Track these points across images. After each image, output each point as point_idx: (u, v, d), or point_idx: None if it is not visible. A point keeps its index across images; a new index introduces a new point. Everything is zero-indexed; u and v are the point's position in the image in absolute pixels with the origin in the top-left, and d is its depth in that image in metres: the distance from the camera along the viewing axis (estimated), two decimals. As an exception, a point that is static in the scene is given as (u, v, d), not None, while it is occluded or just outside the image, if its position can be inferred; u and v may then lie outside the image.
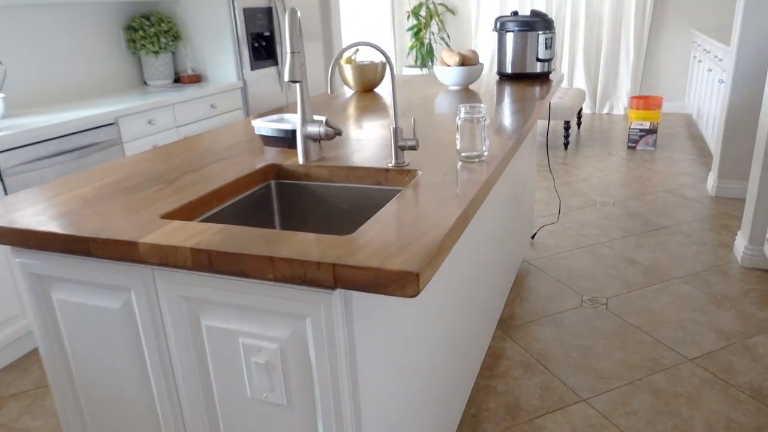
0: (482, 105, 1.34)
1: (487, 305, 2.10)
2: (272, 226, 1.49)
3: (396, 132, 1.33)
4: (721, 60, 4.21)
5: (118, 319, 1.13)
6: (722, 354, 2.20)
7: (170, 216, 1.14)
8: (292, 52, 1.22)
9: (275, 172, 1.47)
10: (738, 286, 2.67)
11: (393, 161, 1.36)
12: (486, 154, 1.37)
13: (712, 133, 4.41)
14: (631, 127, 4.83)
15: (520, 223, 2.69)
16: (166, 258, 0.97)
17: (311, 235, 0.96)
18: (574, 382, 2.10)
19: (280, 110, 2.29)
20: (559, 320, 2.48)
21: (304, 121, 1.41)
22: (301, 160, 1.45)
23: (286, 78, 1.22)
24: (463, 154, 1.38)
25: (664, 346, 2.27)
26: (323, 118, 1.39)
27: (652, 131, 4.78)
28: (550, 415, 1.95)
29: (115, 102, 2.96)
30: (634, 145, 4.85)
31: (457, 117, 1.35)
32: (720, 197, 3.75)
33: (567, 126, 4.96)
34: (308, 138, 1.43)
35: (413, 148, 1.33)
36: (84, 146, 2.61)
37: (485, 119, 1.34)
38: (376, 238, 0.93)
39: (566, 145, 5.05)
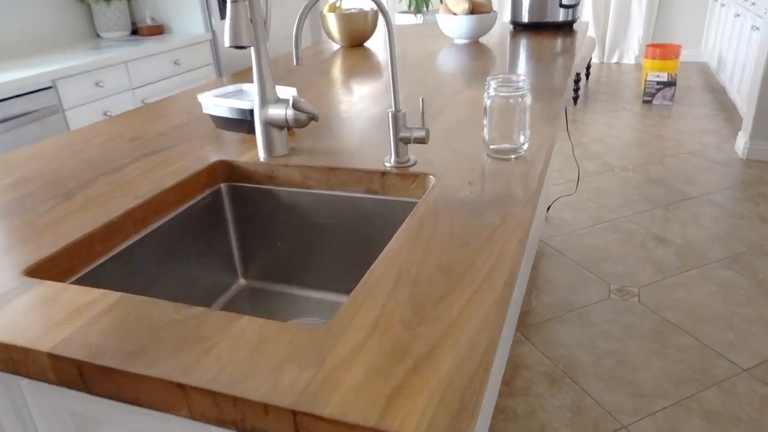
0: (521, 76, 0.91)
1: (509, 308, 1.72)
2: (228, 252, 1.08)
3: (396, 118, 0.91)
4: (753, 3, 3.73)
5: (-22, 422, 0.74)
6: (783, 362, 1.85)
7: (43, 269, 0.73)
8: (234, 1, 0.79)
9: (226, 172, 1.05)
10: (789, 271, 2.31)
11: (392, 159, 0.95)
12: (525, 147, 0.96)
13: (739, 87, 3.97)
14: (648, 79, 4.37)
15: (537, 201, 2.29)
16: (14, 364, 0.57)
17: (258, 325, 0.56)
18: (610, 401, 1.75)
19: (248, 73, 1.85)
20: (585, 317, 2.12)
21: (264, 102, 0.98)
22: (262, 155, 1.03)
23: (227, 42, 0.79)
24: (492, 147, 0.96)
25: (712, 352, 1.91)
26: (291, 96, 0.97)
27: (670, 83, 4.33)
28: (583, 448, 1.60)
29: (57, 60, 2.48)
30: (650, 99, 4.41)
31: (485, 95, 0.93)
32: (752, 160, 3.35)
33: (577, 78, 4.50)
34: (270, 125, 1.00)
35: (422, 140, 0.92)
36: (14, 116, 2.16)
37: (526, 97, 0.92)
38: (370, 340, 0.53)
39: (575, 99, 4.60)
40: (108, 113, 2.54)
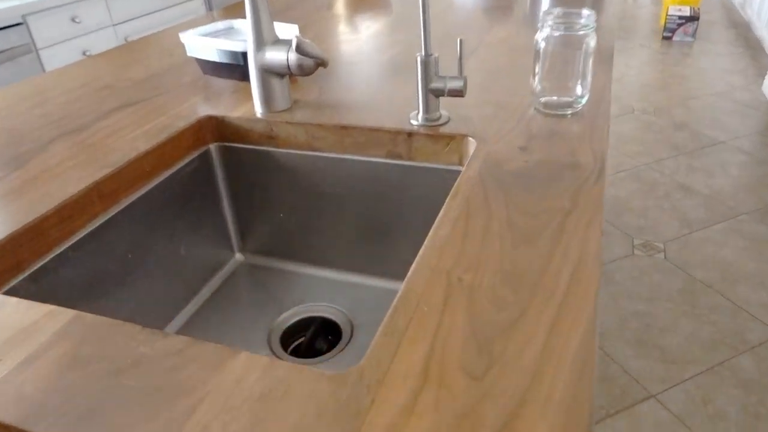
0: (586, 11, 0.72)
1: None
2: (222, 225, 0.91)
3: (427, 65, 0.72)
4: (790, -73, 3.42)
5: None
6: (823, 326, 1.73)
7: (-21, 270, 0.56)
8: None
9: (216, 129, 0.87)
10: (825, 224, 2.16)
11: (421, 115, 0.77)
12: (584, 100, 0.78)
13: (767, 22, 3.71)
14: (669, 13, 4.09)
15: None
16: (-75, 420, 0.42)
17: (260, 368, 0.40)
18: (637, 367, 1.63)
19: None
20: (607, 274, 1.98)
21: (260, 44, 0.79)
22: (258, 109, 0.85)
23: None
24: (542, 100, 0.78)
25: (745, 314, 1.79)
26: (294, 36, 0.78)
27: (693, 18, 4.05)
28: (611, 420, 1.49)
29: (26, -7, 2.23)
30: (670, 35, 4.14)
31: (538, 35, 0.74)
32: (781, 102, 3.15)
33: (592, 12, 4.21)
34: (268, 72, 0.82)
35: (458, 93, 0.73)
36: (-19, 58, 1.94)
37: (590, 38, 0.73)
38: (422, 396, 0.37)
39: (590, 35, 4.32)
40: (88, 52, 2.31)
